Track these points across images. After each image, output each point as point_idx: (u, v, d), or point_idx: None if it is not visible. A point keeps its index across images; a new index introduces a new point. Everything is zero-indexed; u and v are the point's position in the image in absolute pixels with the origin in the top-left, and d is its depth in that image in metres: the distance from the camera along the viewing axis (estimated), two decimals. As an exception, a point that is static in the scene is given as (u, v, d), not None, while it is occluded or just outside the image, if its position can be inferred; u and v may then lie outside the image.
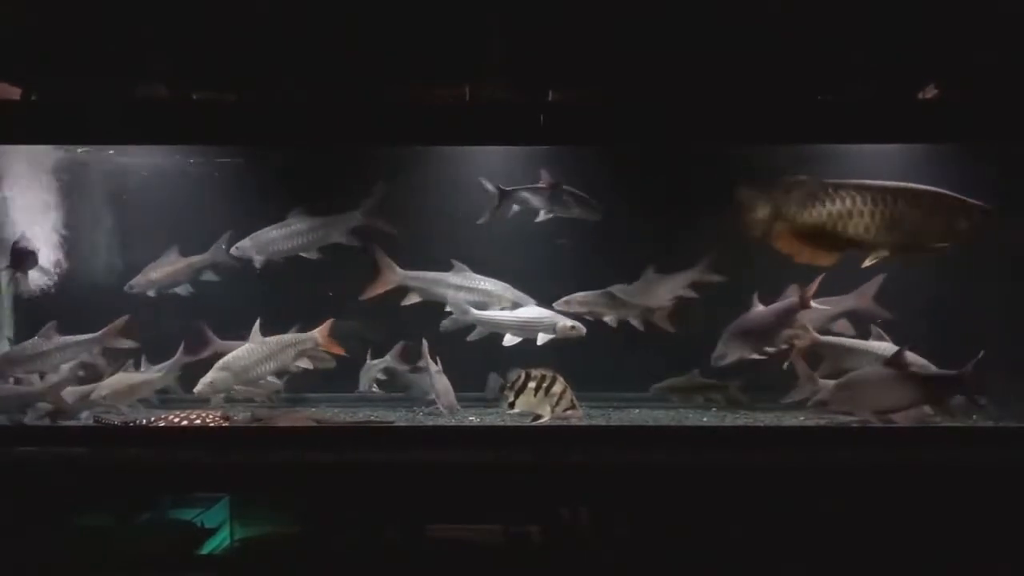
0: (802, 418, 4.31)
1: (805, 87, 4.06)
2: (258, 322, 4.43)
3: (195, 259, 4.79)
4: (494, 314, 4.58)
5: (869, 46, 3.94)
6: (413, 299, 4.65)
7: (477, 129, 4.11)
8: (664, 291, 4.63)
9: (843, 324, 4.49)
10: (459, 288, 4.63)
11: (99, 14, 3.98)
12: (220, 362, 4.30)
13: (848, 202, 3.76)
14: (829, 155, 4.20)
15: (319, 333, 4.55)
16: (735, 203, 3.87)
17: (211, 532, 4.01)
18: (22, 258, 4.52)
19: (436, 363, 4.49)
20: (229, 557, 3.97)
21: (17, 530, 3.75)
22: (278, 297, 4.79)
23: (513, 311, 4.57)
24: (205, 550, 3.96)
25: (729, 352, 4.47)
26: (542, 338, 4.47)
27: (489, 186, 4.65)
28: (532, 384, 4.12)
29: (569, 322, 4.46)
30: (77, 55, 4.07)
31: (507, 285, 4.63)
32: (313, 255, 4.71)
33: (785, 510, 3.71)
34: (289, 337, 4.52)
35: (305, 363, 4.57)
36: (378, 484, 3.80)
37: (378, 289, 4.61)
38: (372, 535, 3.91)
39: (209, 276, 4.81)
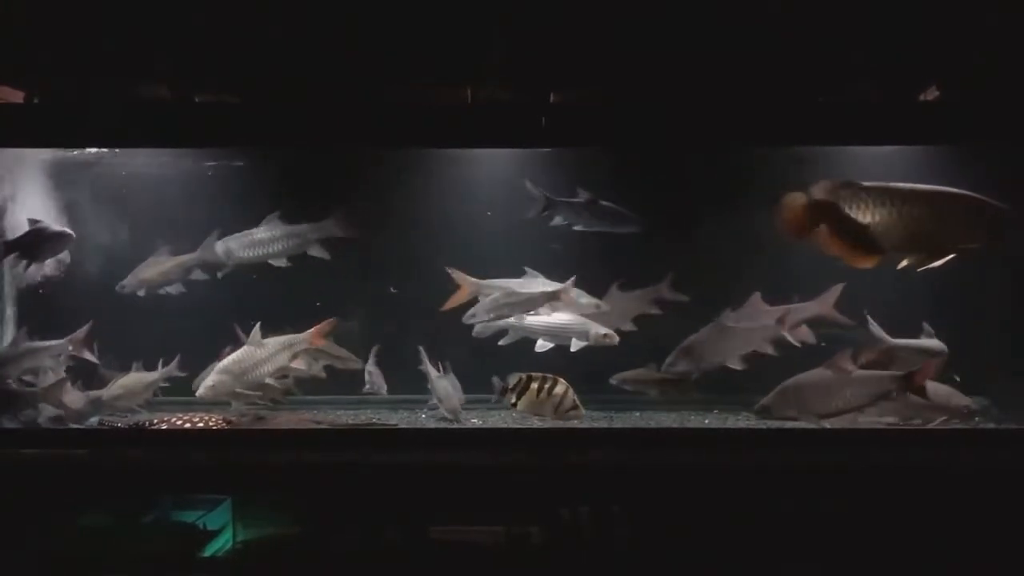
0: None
1: (805, 89, 4.07)
2: (258, 324, 4.42)
3: (185, 258, 4.77)
4: (527, 319, 4.54)
5: (870, 47, 3.94)
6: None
7: (478, 131, 4.12)
8: (628, 309, 4.65)
9: (804, 331, 4.50)
10: (526, 295, 4.53)
11: (101, 16, 3.98)
12: (220, 365, 4.30)
13: (886, 204, 3.76)
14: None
15: (312, 333, 4.54)
16: (777, 206, 3.87)
17: (213, 534, 4.01)
18: (40, 243, 4.50)
19: (439, 369, 4.49)
20: (232, 559, 3.97)
21: (20, 532, 3.75)
22: (285, 298, 4.80)
23: (546, 316, 4.53)
24: (208, 552, 3.96)
25: (677, 365, 4.51)
26: (575, 344, 4.44)
27: (535, 191, 4.67)
28: (535, 385, 4.12)
29: (603, 329, 4.42)
30: (79, 57, 4.07)
31: (580, 291, 4.54)
32: (282, 263, 4.70)
33: (786, 512, 3.71)
34: (286, 338, 4.51)
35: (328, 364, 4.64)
36: (380, 486, 3.82)
37: (456, 301, 4.52)
38: (374, 537, 3.91)
39: (198, 275, 4.79)
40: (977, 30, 3.82)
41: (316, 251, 4.70)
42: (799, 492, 3.73)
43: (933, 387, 4.17)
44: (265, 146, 4.48)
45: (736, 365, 4.44)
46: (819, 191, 3.77)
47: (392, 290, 4.89)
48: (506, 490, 3.80)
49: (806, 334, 4.50)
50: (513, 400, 4.15)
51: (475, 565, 3.89)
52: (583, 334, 4.43)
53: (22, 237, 4.49)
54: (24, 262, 4.53)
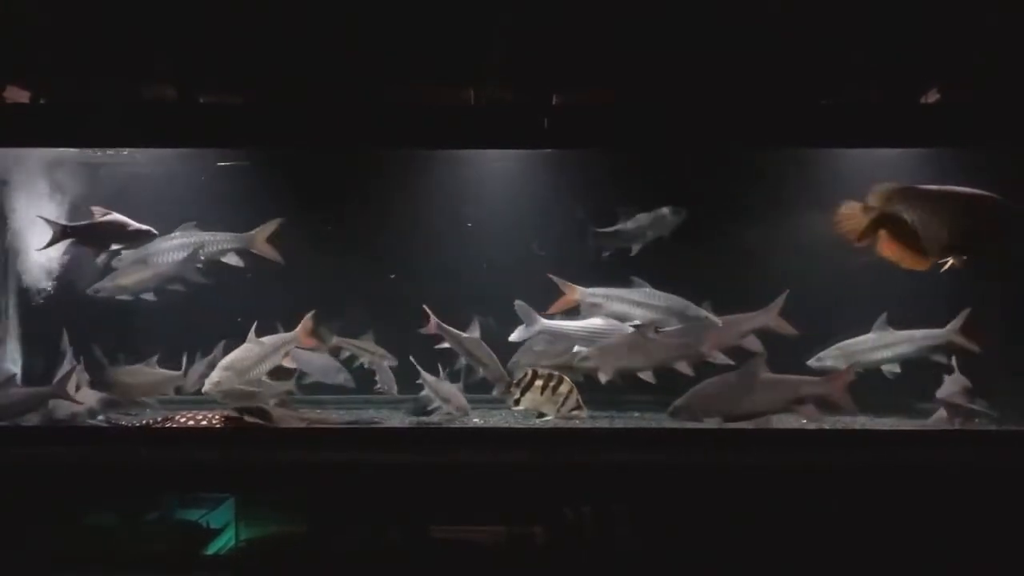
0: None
1: (807, 91, 4.10)
2: (255, 324, 4.43)
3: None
4: (562, 324, 4.55)
5: (871, 50, 3.98)
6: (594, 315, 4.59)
7: (481, 132, 4.14)
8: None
9: (752, 340, 4.54)
10: (638, 304, 4.55)
11: (106, 17, 4.00)
12: (223, 362, 4.33)
13: (931, 207, 3.80)
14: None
15: (299, 330, 4.58)
16: (837, 211, 3.91)
17: (216, 533, 4.00)
18: (115, 236, 4.50)
19: (439, 373, 4.52)
20: (235, 557, 3.96)
21: (24, 530, 3.74)
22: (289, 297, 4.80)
23: (581, 321, 4.52)
24: (210, 551, 3.95)
25: (589, 361, 4.50)
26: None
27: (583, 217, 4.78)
28: (539, 383, 4.12)
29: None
30: (84, 58, 4.09)
31: (688, 302, 4.53)
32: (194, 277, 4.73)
33: (785, 512, 3.71)
34: (281, 337, 4.55)
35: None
36: (381, 485, 3.82)
37: (561, 307, 4.55)
38: (375, 536, 3.90)
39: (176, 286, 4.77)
40: (977, 32, 3.85)
41: (231, 259, 4.72)
42: (798, 493, 3.73)
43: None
44: (266, 146, 4.50)
45: (647, 376, 4.46)
46: (875, 197, 3.82)
47: (391, 276, 4.92)
48: (507, 489, 3.81)
49: (755, 343, 4.53)
50: (517, 396, 4.16)
51: (476, 565, 3.88)
52: None
53: (90, 225, 4.47)
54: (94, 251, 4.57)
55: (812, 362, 4.57)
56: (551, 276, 4.55)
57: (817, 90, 4.10)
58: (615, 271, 4.66)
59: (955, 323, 4.55)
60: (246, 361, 4.34)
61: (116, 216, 4.46)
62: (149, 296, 4.73)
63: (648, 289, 4.56)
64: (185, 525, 4.02)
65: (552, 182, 4.77)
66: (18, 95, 4.15)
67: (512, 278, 4.75)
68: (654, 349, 4.45)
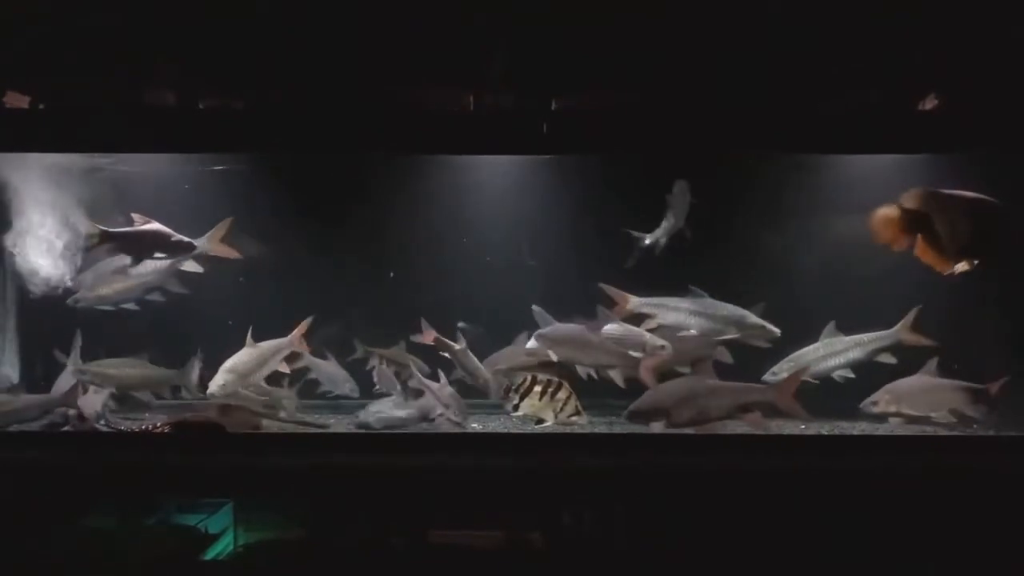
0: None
1: (805, 97, 4.11)
2: (251, 329, 4.46)
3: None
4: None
5: (869, 57, 3.99)
6: (650, 325, 4.53)
7: (480, 138, 4.15)
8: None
9: (722, 351, 4.55)
10: (693, 313, 4.53)
11: (107, 23, 4.01)
12: (226, 365, 4.36)
13: (953, 212, 3.83)
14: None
15: (295, 336, 4.60)
16: (871, 218, 3.93)
17: (215, 538, 4.00)
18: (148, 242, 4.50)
19: (440, 378, 4.52)
20: (233, 562, 3.96)
21: (23, 534, 3.74)
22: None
23: (600, 330, 4.46)
24: (209, 555, 3.95)
25: (538, 352, 4.52)
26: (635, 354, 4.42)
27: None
28: (538, 388, 4.12)
29: (659, 341, 4.39)
30: (83, 64, 4.10)
31: (745, 311, 4.51)
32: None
33: (783, 516, 3.71)
34: (277, 342, 4.57)
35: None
36: (381, 489, 3.82)
37: (618, 314, 4.51)
38: (374, 541, 3.90)
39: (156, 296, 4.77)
40: (976, 39, 3.87)
41: (190, 265, 4.71)
42: (798, 497, 3.73)
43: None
44: (268, 151, 4.49)
45: (581, 372, 4.49)
46: (909, 201, 3.84)
47: (391, 274, 4.93)
48: (505, 494, 3.82)
49: (725, 355, 4.54)
50: (516, 402, 4.16)
51: (474, 569, 3.88)
52: (639, 346, 4.39)
53: (132, 233, 4.46)
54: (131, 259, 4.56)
55: (767, 376, 4.54)
56: (602, 286, 4.52)
57: (815, 96, 4.11)
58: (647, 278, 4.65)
59: (905, 322, 4.57)
60: (247, 365, 4.38)
61: (158, 226, 4.47)
62: (130, 306, 4.72)
63: (707, 299, 4.52)
64: (184, 530, 4.01)
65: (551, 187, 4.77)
66: (18, 100, 4.15)
67: (496, 287, 4.79)
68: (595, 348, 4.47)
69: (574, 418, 4.12)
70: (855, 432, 4.31)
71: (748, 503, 3.73)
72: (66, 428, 4.29)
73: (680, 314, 4.54)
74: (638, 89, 4.14)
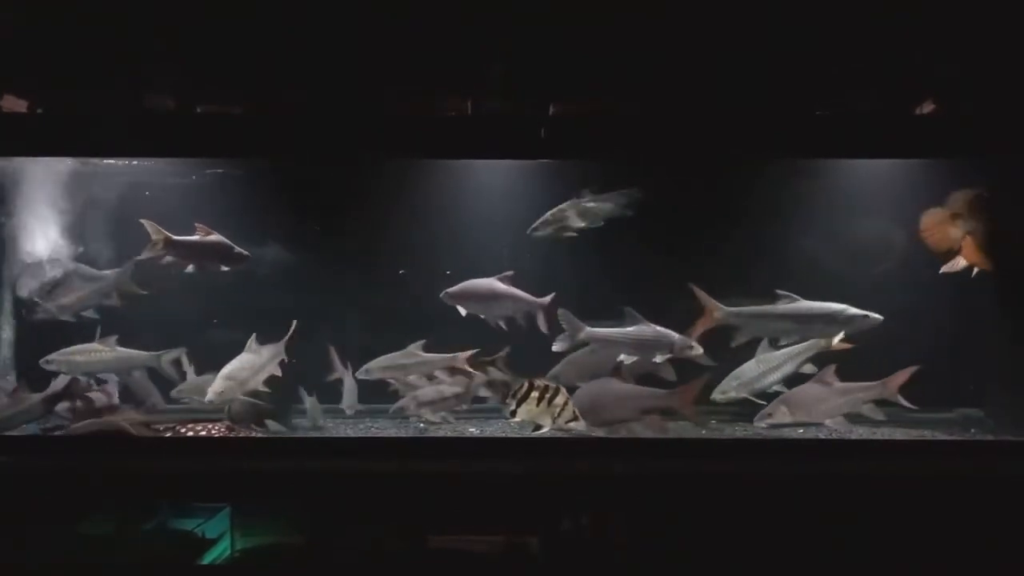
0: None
1: (803, 101, 4.11)
2: (254, 335, 4.46)
3: (101, 283, 4.70)
4: (609, 331, 4.49)
5: (866, 62, 3.99)
6: (741, 339, 4.49)
7: (478, 142, 4.15)
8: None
9: (666, 367, 4.51)
10: (787, 318, 4.44)
11: (105, 26, 4.01)
12: (224, 372, 4.34)
13: (977, 213, 3.90)
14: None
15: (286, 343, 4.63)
16: (924, 220, 3.97)
17: (212, 542, 4.00)
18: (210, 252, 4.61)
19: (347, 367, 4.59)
20: (230, 567, 3.97)
21: (21, 538, 3.74)
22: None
23: (628, 328, 4.44)
24: (206, 560, 3.95)
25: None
26: (660, 357, 4.41)
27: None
28: (535, 394, 4.11)
29: (688, 341, 4.38)
30: (82, 68, 4.10)
31: (842, 305, 4.38)
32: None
33: (781, 521, 3.72)
34: (276, 346, 4.58)
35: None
36: (377, 495, 3.83)
37: (703, 327, 4.43)
38: (371, 546, 3.91)
39: (112, 300, 4.73)
40: (972, 45, 3.87)
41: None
42: (793, 501, 3.74)
43: None
44: (265, 156, 4.50)
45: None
46: (961, 204, 3.83)
47: (400, 272, 4.92)
48: (503, 499, 3.83)
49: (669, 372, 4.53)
50: (513, 407, 4.15)
51: (470, 574, 3.89)
52: (667, 346, 4.38)
53: (196, 243, 4.58)
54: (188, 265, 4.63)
55: (716, 395, 4.52)
56: (693, 288, 4.46)
57: (812, 101, 4.10)
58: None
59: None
60: (246, 372, 4.36)
61: (219, 237, 4.57)
62: (90, 314, 4.69)
63: (801, 302, 4.43)
64: (181, 534, 4.01)
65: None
66: (15, 104, 4.15)
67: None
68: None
69: (571, 424, 4.10)
70: (853, 437, 4.30)
71: (746, 508, 3.75)
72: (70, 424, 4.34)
73: (774, 321, 4.45)
74: (637, 92, 4.14)
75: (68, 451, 4.06)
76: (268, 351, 4.52)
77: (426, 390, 4.59)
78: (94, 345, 4.55)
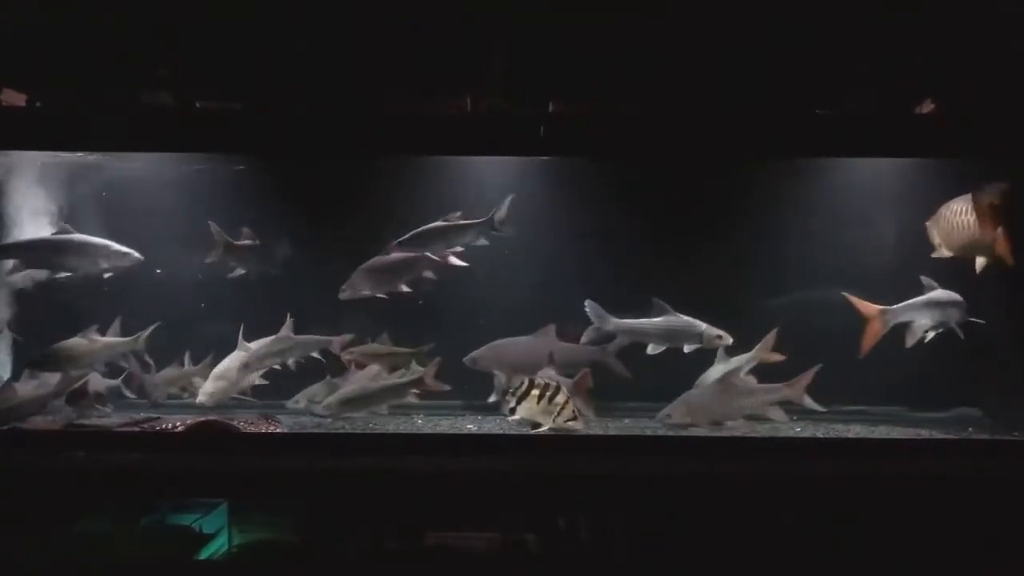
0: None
1: (803, 101, 4.12)
2: (241, 332, 4.44)
3: (117, 343, 4.66)
4: (637, 322, 4.51)
5: (866, 61, 4.00)
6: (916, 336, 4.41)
7: (477, 140, 4.14)
8: None
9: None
10: (942, 305, 4.36)
11: (104, 22, 4.00)
12: (216, 372, 4.34)
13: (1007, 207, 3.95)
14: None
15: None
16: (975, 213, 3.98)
17: (210, 537, 3.99)
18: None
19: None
20: (227, 562, 3.96)
21: (17, 536, 3.73)
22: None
23: (656, 319, 4.48)
24: (203, 555, 3.94)
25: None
26: (688, 348, 4.44)
27: None
28: (535, 392, 4.10)
29: (716, 331, 4.42)
30: (82, 62, 4.09)
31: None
32: None
33: (781, 520, 3.72)
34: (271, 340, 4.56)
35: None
36: (375, 491, 3.82)
37: (873, 337, 4.38)
38: (370, 542, 3.90)
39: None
40: (972, 44, 3.88)
41: None
42: (792, 502, 3.74)
43: None
44: (265, 153, 4.48)
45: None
46: (996, 195, 3.85)
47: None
48: (501, 496, 3.81)
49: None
50: (512, 405, 4.14)
51: (469, 573, 3.88)
52: (696, 336, 4.40)
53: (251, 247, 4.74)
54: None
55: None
56: (845, 295, 4.42)
57: (812, 101, 4.11)
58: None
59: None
60: (236, 371, 4.35)
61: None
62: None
63: (939, 289, 4.38)
64: (179, 530, 4.00)
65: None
66: (14, 98, 4.14)
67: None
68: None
69: (571, 423, 4.09)
70: (850, 435, 4.31)
71: (744, 506, 3.74)
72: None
73: (932, 311, 4.39)
74: (637, 91, 4.14)
75: (63, 447, 4.03)
76: (262, 348, 4.49)
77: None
78: (76, 340, 4.52)
